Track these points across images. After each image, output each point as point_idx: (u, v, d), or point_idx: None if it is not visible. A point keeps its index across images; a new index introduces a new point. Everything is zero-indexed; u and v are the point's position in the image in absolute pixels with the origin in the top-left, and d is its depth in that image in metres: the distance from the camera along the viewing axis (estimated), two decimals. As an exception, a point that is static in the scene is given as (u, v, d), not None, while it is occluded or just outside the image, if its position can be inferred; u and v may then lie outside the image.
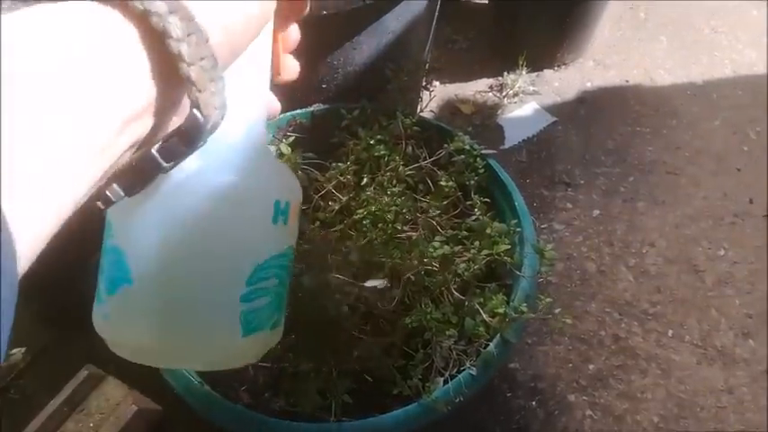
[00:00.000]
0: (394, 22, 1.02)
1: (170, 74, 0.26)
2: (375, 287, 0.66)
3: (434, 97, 1.32)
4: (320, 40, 1.00)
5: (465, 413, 1.08)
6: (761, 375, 1.11)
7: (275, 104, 0.43)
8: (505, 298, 0.76)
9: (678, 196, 1.36)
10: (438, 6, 1.16)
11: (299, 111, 1.00)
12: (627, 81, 1.59)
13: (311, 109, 1.00)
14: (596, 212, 1.33)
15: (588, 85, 1.59)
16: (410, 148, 0.91)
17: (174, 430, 0.84)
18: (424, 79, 1.22)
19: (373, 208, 0.79)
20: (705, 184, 1.38)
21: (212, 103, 0.28)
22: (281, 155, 0.87)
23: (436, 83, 1.54)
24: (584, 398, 1.09)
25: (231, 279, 0.38)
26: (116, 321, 0.38)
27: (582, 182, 1.38)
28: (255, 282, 0.38)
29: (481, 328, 0.70)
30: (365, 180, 0.84)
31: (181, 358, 0.41)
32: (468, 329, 0.73)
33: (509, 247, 0.79)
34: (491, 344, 0.74)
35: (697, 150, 1.45)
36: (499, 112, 1.51)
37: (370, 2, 0.91)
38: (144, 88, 0.25)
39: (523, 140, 1.44)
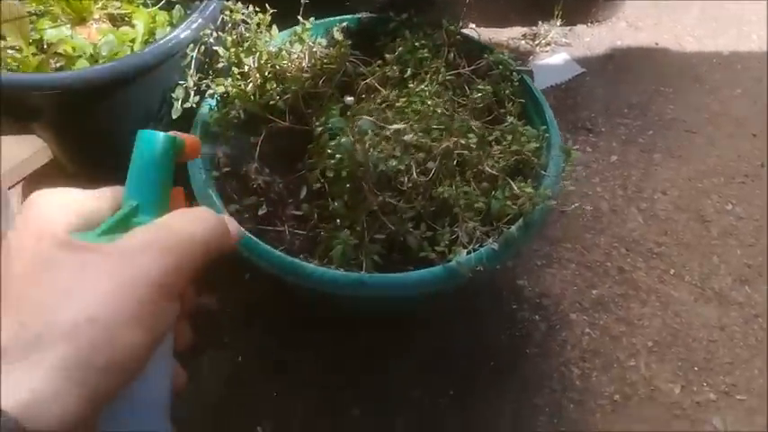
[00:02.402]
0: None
1: None
2: (399, 131, 0.71)
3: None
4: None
5: (472, 319, 1.15)
6: (753, 318, 1.18)
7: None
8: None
9: (693, 152, 1.42)
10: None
11: (347, 16, 1.06)
12: (656, 44, 1.64)
13: (358, 15, 1.06)
14: (614, 158, 1.39)
15: (618, 43, 1.64)
16: (452, 55, 0.97)
17: (219, 270, 0.91)
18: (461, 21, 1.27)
19: (415, 98, 0.86)
20: (720, 145, 1.44)
21: None
22: (334, 43, 0.93)
23: (473, 25, 1.59)
24: (585, 318, 1.16)
25: None
26: None
27: (603, 130, 1.44)
28: None
29: (508, 203, 0.76)
30: (409, 72, 0.90)
31: None
32: (494, 210, 0.80)
33: (538, 146, 0.85)
34: (513, 227, 0.80)
35: (716, 113, 1.50)
36: (531, 58, 1.57)
37: None
38: None
39: (552, 86, 1.50)
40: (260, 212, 0.88)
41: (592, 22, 1.66)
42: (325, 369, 1.08)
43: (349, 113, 0.80)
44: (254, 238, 0.79)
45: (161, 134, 0.34)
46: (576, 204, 1.31)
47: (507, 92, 0.94)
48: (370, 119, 0.73)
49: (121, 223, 0.31)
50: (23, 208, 0.30)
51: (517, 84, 0.96)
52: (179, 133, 0.36)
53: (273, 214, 0.89)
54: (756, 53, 1.65)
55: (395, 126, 0.72)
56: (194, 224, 0.31)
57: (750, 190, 1.36)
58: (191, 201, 0.37)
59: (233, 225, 0.35)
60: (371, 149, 0.70)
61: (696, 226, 1.30)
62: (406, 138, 0.72)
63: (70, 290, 0.26)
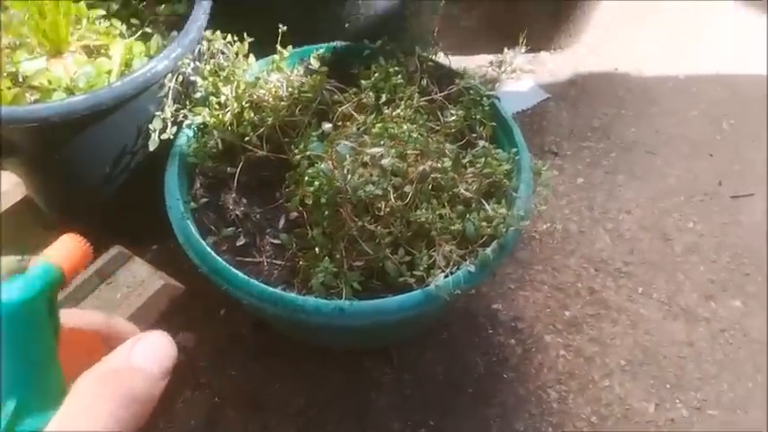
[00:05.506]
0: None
1: None
2: (376, 156, 0.72)
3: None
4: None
5: (449, 346, 1.16)
6: (719, 333, 1.22)
7: None
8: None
9: (654, 173, 1.47)
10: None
11: (321, 45, 1.07)
12: (616, 69, 1.71)
13: (333, 44, 1.08)
14: (580, 180, 1.43)
15: (580, 69, 1.70)
16: (425, 81, 1.00)
17: (193, 306, 0.90)
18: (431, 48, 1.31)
19: (391, 124, 0.87)
20: (679, 165, 1.49)
21: None
22: (310, 71, 0.94)
23: (441, 54, 1.63)
24: (559, 339, 1.18)
25: None
26: None
27: (569, 153, 1.49)
28: None
29: (483, 224, 0.78)
30: (384, 98, 0.92)
31: None
32: (469, 233, 0.81)
33: (510, 167, 0.88)
34: (488, 249, 0.82)
35: (674, 135, 1.56)
36: (497, 85, 1.60)
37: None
38: None
39: (518, 112, 1.54)
40: (238, 243, 0.87)
41: (554, 49, 1.72)
42: (302, 404, 1.07)
43: (327, 140, 0.81)
44: (233, 269, 0.79)
45: (26, 288, 0.26)
46: (547, 225, 1.34)
47: (478, 116, 0.97)
48: (348, 143, 0.75)
49: None
50: None
51: (488, 108, 0.99)
52: (49, 254, 0.28)
53: (252, 245, 0.89)
54: (712, 76, 1.73)
55: (373, 150, 0.73)
56: (99, 405, 0.24)
57: (709, 207, 1.42)
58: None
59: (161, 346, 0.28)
60: (350, 175, 0.71)
61: (660, 244, 1.34)
62: (383, 162, 0.73)
63: None
